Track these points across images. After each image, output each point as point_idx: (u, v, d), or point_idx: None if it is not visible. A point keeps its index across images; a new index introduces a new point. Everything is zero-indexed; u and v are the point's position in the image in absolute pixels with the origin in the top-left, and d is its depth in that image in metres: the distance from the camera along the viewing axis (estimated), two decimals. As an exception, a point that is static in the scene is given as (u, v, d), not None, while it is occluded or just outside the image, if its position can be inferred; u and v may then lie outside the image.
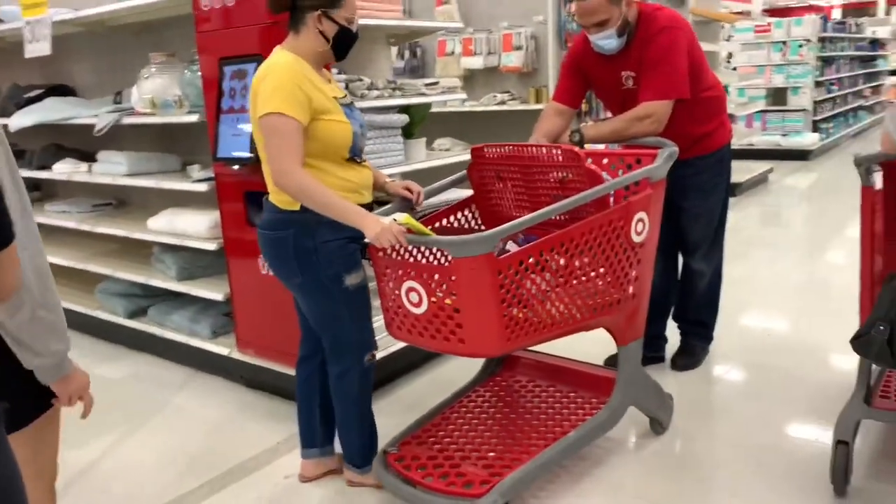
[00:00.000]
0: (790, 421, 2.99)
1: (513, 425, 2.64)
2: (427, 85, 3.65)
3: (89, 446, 3.10)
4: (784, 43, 10.21)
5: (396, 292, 2.17)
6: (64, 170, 4.16)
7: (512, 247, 2.27)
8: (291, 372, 3.25)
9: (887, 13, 20.24)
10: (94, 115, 3.85)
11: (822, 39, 10.38)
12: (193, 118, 3.40)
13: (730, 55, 9.61)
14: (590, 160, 2.39)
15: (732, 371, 3.51)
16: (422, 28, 4.30)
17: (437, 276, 2.09)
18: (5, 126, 1.34)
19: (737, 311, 3.58)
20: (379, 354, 2.62)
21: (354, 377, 2.49)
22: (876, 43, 13.77)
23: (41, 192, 5.12)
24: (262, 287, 3.28)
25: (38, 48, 4.03)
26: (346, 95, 2.47)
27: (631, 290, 2.46)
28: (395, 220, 2.09)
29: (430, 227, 2.52)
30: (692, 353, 3.54)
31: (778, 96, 10.43)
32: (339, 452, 2.73)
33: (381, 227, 2.10)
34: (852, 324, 3.84)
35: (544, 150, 2.53)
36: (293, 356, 3.24)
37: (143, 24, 4.07)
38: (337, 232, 2.26)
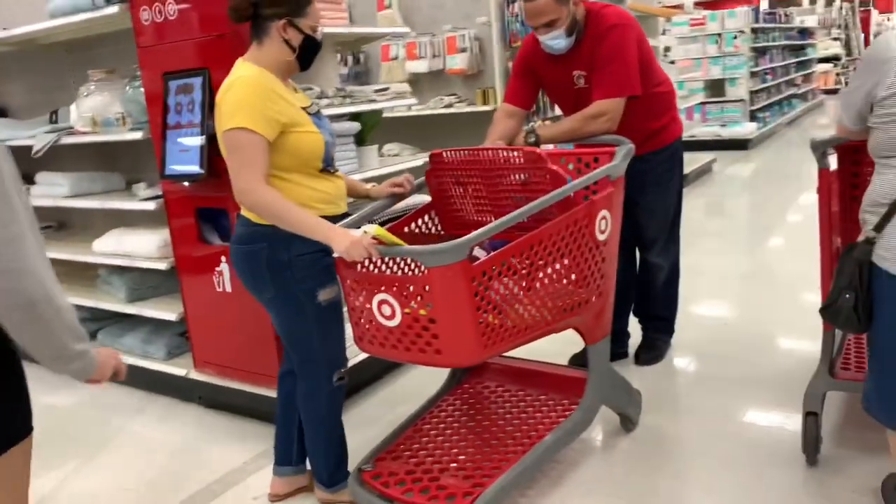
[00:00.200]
0: (754, 409, 3.04)
1: (487, 433, 2.62)
2: (377, 91, 3.61)
3: (42, 478, 2.97)
4: (719, 35, 10.45)
5: (367, 306, 2.12)
6: (1, 194, 3.98)
7: (479, 252, 2.25)
8: (253, 390, 3.21)
9: (812, 2, 20.94)
10: (31, 136, 3.71)
11: (754, 30, 10.66)
12: (137, 135, 3.30)
13: (667, 49, 9.80)
14: (561, 160, 2.39)
15: (692, 363, 3.56)
16: (371, 34, 4.26)
17: (411, 287, 2.06)
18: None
19: (690, 302, 3.65)
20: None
21: (323, 395, 2.44)
22: (805, 32, 14.21)
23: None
24: (219, 304, 3.20)
25: (-34, 69, 3.86)
26: (312, 104, 2.42)
27: (598, 288, 2.47)
28: (365, 231, 2.05)
29: None
30: (655, 348, 3.58)
31: (716, 88, 10.67)
32: (309, 469, 2.67)
33: (351, 241, 2.04)
34: (799, 309, 3.99)
35: (506, 152, 2.51)
36: (254, 374, 3.19)
37: (77, 42, 3.93)
38: (312, 244, 2.19)
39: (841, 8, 19.69)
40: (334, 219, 2.32)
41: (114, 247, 3.61)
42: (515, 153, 2.47)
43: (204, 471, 2.95)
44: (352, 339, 2.35)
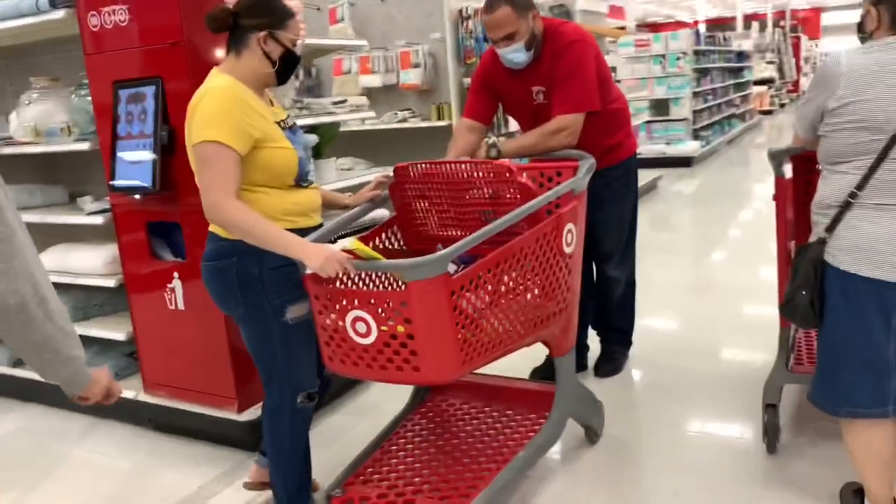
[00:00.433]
0: (711, 416, 3.09)
1: (458, 451, 2.57)
2: (335, 103, 3.56)
3: (-19, 512, 2.80)
4: (663, 56, 10.72)
5: (340, 323, 2.05)
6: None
7: (450, 267, 2.20)
8: (208, 412, 3.09)
9: (746, 27, 21.75)
10: (-36, 146, 3.53)
11: (696, 52, 10.97)
12: (84, 146, 3.17)
13: (613, 69, 9.99)
14: (525, 174, 2.37)
15: (649, 374, 3.59)
16: (330, 46, 4.21)
17: (388, 303, 1.99)
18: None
19: (641, 315, 3.72)
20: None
21: (285, 416, 2.35)
22: (742, 55, 14.71)
23: None
24: (171, 323, 3.08)
25: None
26: (288, 117, 2.35)
27: (565, 300, 2.45)
28: (344, 246, 1.98)
29: None
30: (614, 360, 3.60)
31: (660, 107, 10.92)
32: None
33: (325, 256, 1.96)
34: (745, 319, 4.15)
35: (474, 166, 2.48)
36: (209, 395, 3.08)
37: (16, 48, 3.77)
38: (284, 258, 2.10)
39: (774, 33, 20.49)
40: (308, 231, 2.26)
41: (56, 264, 3.44)
42: (487, 166, 2.43)
43: (155, 497, 2.82)
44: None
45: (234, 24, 2.17)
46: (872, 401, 2.07)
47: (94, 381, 1.66)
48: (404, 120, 5.35)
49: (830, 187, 2.10)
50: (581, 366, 3.53)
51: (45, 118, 3.47)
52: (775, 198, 2.72)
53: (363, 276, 2.47)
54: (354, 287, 2.38)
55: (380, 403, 3.39)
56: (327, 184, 3.42)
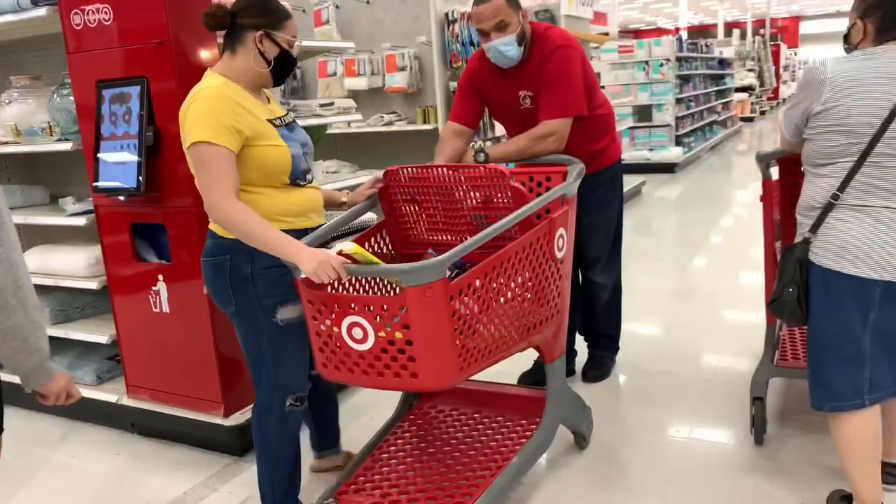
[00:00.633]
0: (697, 421, 3.09)
1: (450, 458, 2.54)
2: (322, 106, 3.53)
3: (-42, 519, 2.74)
4: (646, 63, 10.78)
5: (335, 329, 2.01)
6: None
7: (444, 272, 2.19)
8: (193, 416, 3.04)
9: (726, 35, 21.97)
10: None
11: (679, 59, 11.05)
12: (66, 146, 3.12)
13: (598, 75, 10.02)
14: (514, 179, 2.35)
15: (635, 379, 3.59)
16: (317, 48, 4.18)
17: (386, 308, 1.96)
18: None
19: (626, 320, 3.74)
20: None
21: (272, 418, 2.33)
22: (724, 62, 14.83)
23: None
24: (156, 326, 3.04)
25: None
26: (287, 114, 2.34)
27: (556, 305, 2.45)
28: (340, 250, 1.95)
29: None
30: (601, 365, 3.60)
31: (643, 113, 10.99)
32: (345, 451, 2.84)
33: (319, 261, 1.94)
34: (727, 324, 4.22)
35: (466, 170, 2.46)
36: (194, 399, 3.04)
37: (-4, 45, 3.72)
38: (276, 258, 2.09)
39: (754, 41, 20.71)
40: (307, 231, 2.26)
41: (37, 265, 3.39)
42: (477, 171, 2.42)
43: (139, 502, 2.77)
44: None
45: (231, 22, 2.18)
46: (851, 393, 2.16)
47: (55, 379, 1.72)
48: (390, 123, 5.33)
49: (813, 190, 2.19)
50: (569, 371, 3.52)
51: (25, 117, 3.42)
52: (762, 199, 2.80)
53: (360, 280, 2.44)
54: (351, 292, 2.36)
55: (368, 408, 3.36)
56: (314, 186, 3.40)
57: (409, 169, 2.50)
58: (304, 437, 2.55)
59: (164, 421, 3.14)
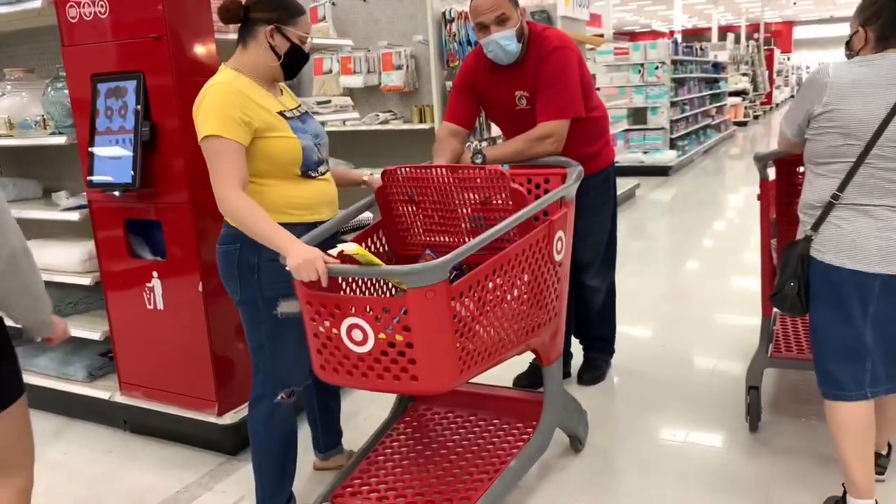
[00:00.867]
0: (692, 425, 3.09)
1: (447, 461, 2.53)
2: (319, 104, 3.51)
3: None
4: (641, 65, 10.79)
5: (335, 331, 2.00)
6: None
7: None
8: (186, 414, 3.02)
9: (720, 39, 22.05)
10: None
11: (674, 62, 11.06)
12: (61, 140, 3.09)
13: (593, 76, 10.02)
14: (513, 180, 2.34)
15: (630, 382, 3.59)
16: (315, 45, 4.14)
17: (386, 310, 1.94)
18: None
19: (620, 322, 3.73)
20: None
21: (262, 408, 2.36)
22: (718, 66, 14.87)
23: None
24: (149, 323, 3.02)
25: None
26: (299, 106, 2.38)
27: (554, 308, 2.44)
28: (342, 251, 1.94)
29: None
30: (597, 368, 3.59)
31: (638, 116, 11.00)
32: (348, 450, 2.84)
33: (304, 259, 1.96)
34: (720, 328, 4.25)
35: (466, 171, 2.44)
36: (187, 397, 3.02)
37: (-12, 37, 3.69)
38: None
39: (748, 46, 20.78)
40: (318, 225, 2.29)
41: (30, 259, 3.35)
42: (477, 172, 2.40)
43: (131, 500, 2.75)
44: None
45: (244, 16, 2.22)
46: (854, 385, 2.25)
47: (56, 325, 1.94)
48: (386, 122, 5.31)
49: (814, 190, 2.29)
50: (564, 373, 3.51)
51: (19, 110, 3.39)
52: (759, 198, 2.90)
53: (358, 281, 2.43)
54: (348, 293, 2.34)
55: (362, 408, 3.35)
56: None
57: (408, 169, 2.49)
58: (304, 437, 2.53)
59: (158, 419, 3.12)
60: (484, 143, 4.60)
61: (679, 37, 19.40)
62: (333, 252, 2.00)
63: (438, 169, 2.47)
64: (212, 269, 2.86)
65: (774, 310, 3.01)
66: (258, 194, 2.19)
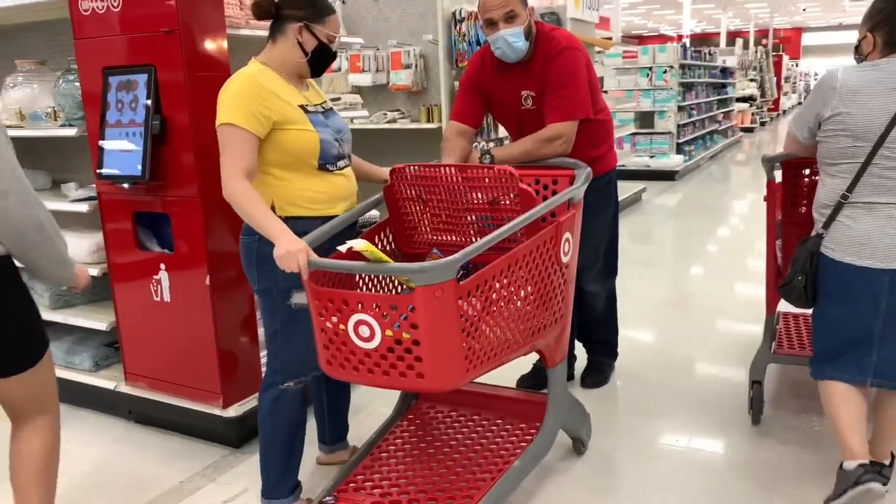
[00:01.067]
0: (695, 429, 3.10)
1: (450, 460, 2.54)
2: (330, 101, 3.51)
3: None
4: (650, 69, 10.78)
5: (342, 327, 2.01)
6: None
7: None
8: (191, 406, 3.04)
9: (729, 44, 21.99)
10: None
11: (682, 66, 11.06)
12: (71, 132, 3.11)
13: (601, 79, 10.02)
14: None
15: (632, 386, 3.59)
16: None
17: (394, 307, 1.95)
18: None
19: (624, 326, 3.74)
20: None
21: (269, 395, 2.41)
22: (726, 71, 14.85)
23: None
24: (156, 314, 3.03)
25: None
26: (324, 102, 2.44)
27: (560, 310, 2.44)
28: (351, 247, 1.95)
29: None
30: (600, 371, 3.60)
31: (645, 120, 10.99)
32: (352, 445, 2.86)
33: (287, 250, 2.03)
34: (724, 334, 4.29)
35: (475, 171, 2.45)
36: (192, 389, 3.03)
37: (1, 29, 3.69)
38: None
39: (756, 51, 20.73)
40: (329, 219, 2.33)
41: (38, 250, 3.37)
42: (487, 172, 2.40)
43: (135, 490, 2.77)
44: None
45: (276, 13, 2.29)
46: (856, 371, 2.39)
47: (80, 274, 2.15)
48: (393, 121, 5.32)
49: (826, 190, 2.42)
50: (568, 376, 3.51)
51: (30, 102, 3.40)
52: (766, 199, 3.00)
53: (365, 277, 2.44)
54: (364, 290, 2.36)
55: (366, 404, 3.36)
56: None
57: (417, 167, 2.50)
58: (309, 431, 2.54)
59: (162, 410, 3.14)
60: (492, 144, 4.61)
61: (687, 41, 19.36)
62: (343, 248, 2.01)
63: (447, 168, 2.48)
64: (219, 262, 2.89)
65: (778, 309, 3.13)
66: (275, 186, 2.27)
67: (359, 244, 1.95)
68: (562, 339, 2.56)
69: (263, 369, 3.14)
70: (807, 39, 37.48)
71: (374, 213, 2.89)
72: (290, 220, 2.20)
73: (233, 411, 2.98)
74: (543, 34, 3.00)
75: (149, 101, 2.80)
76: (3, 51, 3.78)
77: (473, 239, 2.53)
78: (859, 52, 2.46)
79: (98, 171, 2.97)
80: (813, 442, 2.94)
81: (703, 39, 31.33)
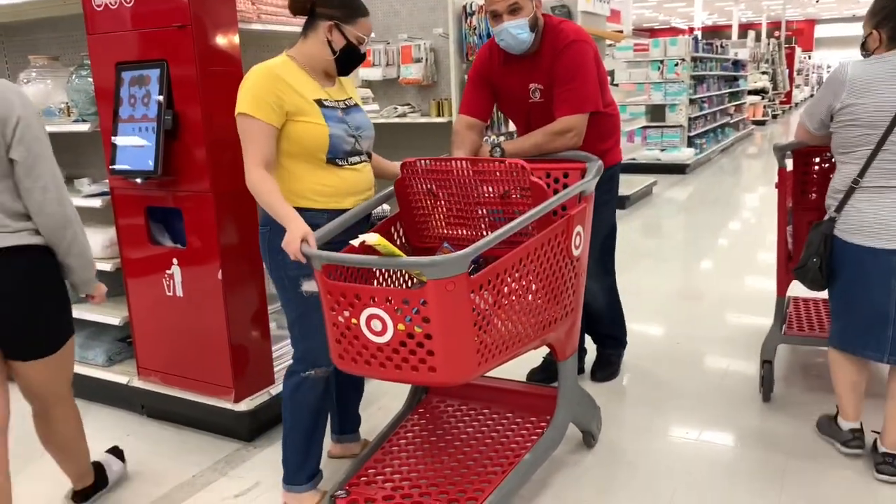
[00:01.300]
0: (704, 423, 3.09)
1: (461, 453, 2.54)
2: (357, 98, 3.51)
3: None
4: (661, 62, 10.73)
5: (354, 321, 2.02)
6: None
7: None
8: (201, 399, 3.06)
9: (741, 37, 21.84)
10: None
11: (694, 59, 10.99)
12: (84, 127, 3.13)
13: (612, 72, 9.98)
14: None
15: (641, 380, 3.59)
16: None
17: (406, 301, 1.95)
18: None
19: (633, 320, 3.73)
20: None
21: (293, 383, 2.45)
22: (738, 64, 14.75)
23: None
24: (168, 309, 3.05)
25: None
26: (349, 98, 2.47)
27: (571, 303, 2.44)
28: (363, 241, 1.96)
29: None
30: (609, 364, 3.59)
31: (656, 113, 10.93)
32: (363, 439, 2.89)
33: (292, 237, 2.11)
34: (733, 328, 4.29)
35: (488, 164, 2.45)
36: (204, 383, 3.05)
37: (10, 26, 3.71)
38: None
39: (769, 44, 20.57)
40: (335, 213, 2.35)
41: (51, 245, 3.39)
42: (498, 165, 2.40)
43: (149, 484, 2.79)
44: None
45: (310, 10, 2.35)
46: (875, 347, 2.55)
47: (98, 285, 2.38)
48: (403, 115, 5.32)
49: (840, 176, 2.58)
50: (579, 369, 3.51)
51: (43, 98, 3.42)
52: (777, 186, 3.13)
53: (376, 271, 2.45)
54: (368, 283, 2.36)
55: (377, 397, 3.37)
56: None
57: (428, 161, 2.50)
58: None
59: (175, 404, 3.16)
60: (502, 138, 4.60)
61: (699, 34, 19.24)
62: (355, 242, 2.02)
63: (458, 161, 2.48)
64: (231, 257, 2.90)
65: (788, 294, 3.33)
66: (282, 177, 2.31)
67: (371, 238, 1.96)
68: (572, 332, 2.56)
69: (275, 364, 3.17)
70: (820, 31, 37.18)
71: (385, 207, 2.89)
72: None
73: (244, 405, 3.00)
74: (552, 27, 2.98)
75: (161, 97, 2.81)
76: (16, 46, 3.80)
77: (484, 233, 2.53)
78: (865, 49, 2.60)
79: (111, 166, 2.99)
80: (819, 407, 2.97)
81: (715, 32, 31.15)
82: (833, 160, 2.71)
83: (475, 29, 5.07)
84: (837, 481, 2.61)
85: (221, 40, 2.82)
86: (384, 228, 2.64)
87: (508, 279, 2.11)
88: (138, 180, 2.95)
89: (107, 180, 3.14)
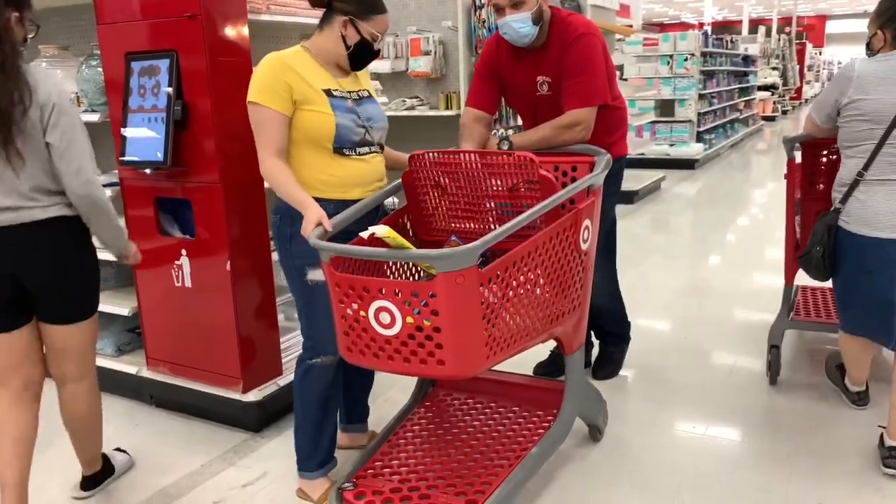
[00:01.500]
0: (712, 421, 3.08)
1: (468, 447, 2.55)
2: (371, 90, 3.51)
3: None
4: (671, 56, 10.68)
5: (362, 314, 2.01)
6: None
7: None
8: (209, 390, 3.07)
9: (751, 32, 21.72)
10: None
11: (703, 54, 10.94)
12: (94, 117, 3.14)
13: (621, 67, 9.96)
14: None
15: (646, 375, 3.59)
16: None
17: (415, 293, 1.95)
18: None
19: (639, 315, 3.72)
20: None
21: (301, 371, 2.49)
22: (748, 59, 14.67)
23: None
24: (177, 300, 3.06)
25: None
26: (362, 90, 2.48)
27: (578, 297, 2.44)
28: (373, 233, 1.96)
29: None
30: (612, 361, 3.58)
31: (666, 108, 10.89)
32: (371, 430, 2.92)
33: (308, 222, 2.16)
34: (740, 323, 4.29)
35: (496, 157, 2.44)
36: (213, 374, 3.06)
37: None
38: None
39: (779, 39, 20.45)
40: (347, 204, 2.36)
41: (61, 235, 3.41)
42: (507, 158, 2.40)
43: (157, 474, 2.80)
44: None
45: (328, 2, 2.36)
46: (883, 329, 2.68)
47: (131, 246, 2.54)
48: (412, 107, 5.31)
49: (845, 169, 2.68)
50: (586, 363, 3.50)
51: (53, 88, 3.42)
52: (786, 177, 3.23)
53: (383, 264, 2.45)
54: (377, 276, 2.36)
55: (384, 389, 3.37)
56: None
57: (436, 154, 2.49)
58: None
59: (183, 394, 3.18)
60: (510, 131, 4.59)
61: (709, 29, 19.14)
62: (365, 234, 2.02)
63: (466, 154, 2.48)
64: (240, 248, 2.91)
65: (796, 283, 3.45)
66: (289, 167, 2.34)
67: (381, 230, 1.96)
68: (580, 326, 2.55)
69: (283, 355, 3.18)
70: (831, 27, 36.94)
71: (394, 199, 2.89)
72: None
73: (252, 396, 3.01)
74: (560, 20, 2.97)
75: (171, 88, 2.81)
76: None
77: (492, 226, 2.53)
78: (870, 48, 2.69)
79: (120, 157, 2.99)
80: (824, 420, 2.95)
81: (725, 27, 30.98)
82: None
83: (484, 22, 5.06)
84: (844, 475, 2.61)
85: (231, 31, 2.82)
86: (392, 221, 2.63)
87: (517, 273, 2.10)
88: (147, 171, 2.96)
89: (116, 171, 3.15)
